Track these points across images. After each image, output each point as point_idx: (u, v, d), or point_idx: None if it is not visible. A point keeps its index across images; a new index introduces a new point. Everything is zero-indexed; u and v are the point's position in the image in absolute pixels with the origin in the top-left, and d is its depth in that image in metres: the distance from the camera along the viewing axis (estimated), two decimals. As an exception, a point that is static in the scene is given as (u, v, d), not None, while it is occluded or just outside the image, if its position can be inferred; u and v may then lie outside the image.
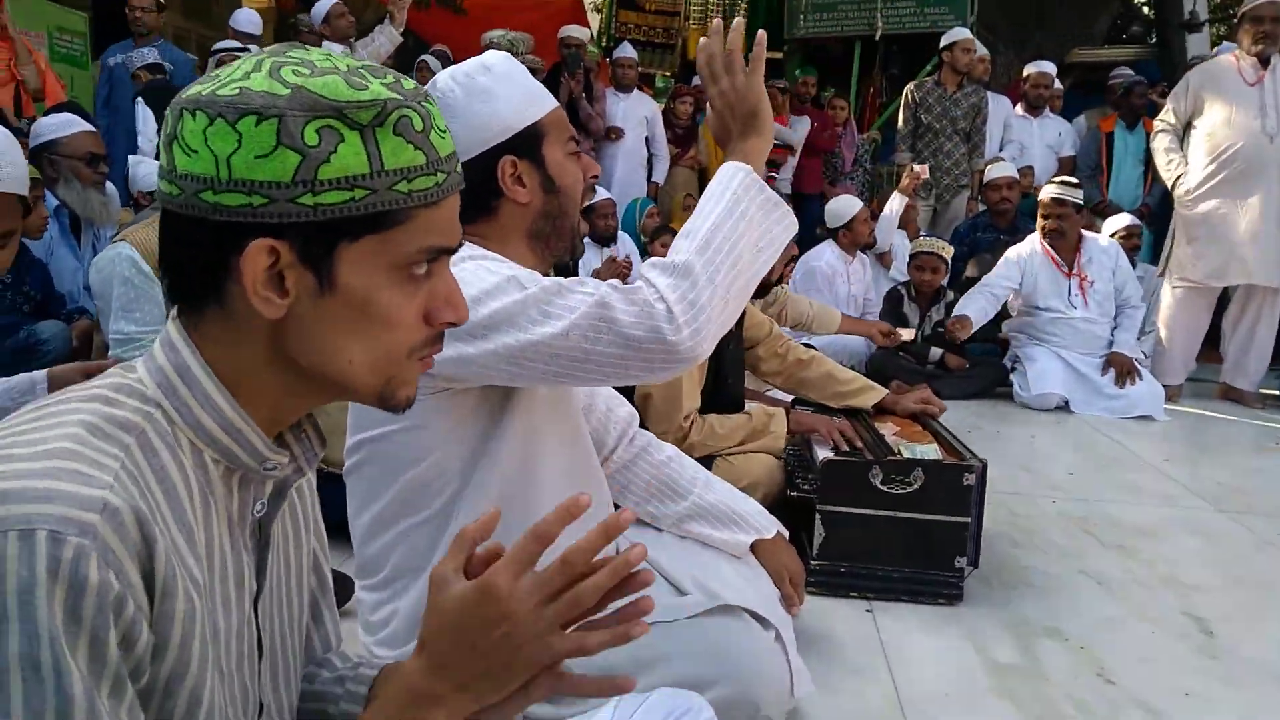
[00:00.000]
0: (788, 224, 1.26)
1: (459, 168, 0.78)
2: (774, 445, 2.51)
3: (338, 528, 1.48)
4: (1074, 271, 4.66)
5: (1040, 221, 4.70)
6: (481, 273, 1.21)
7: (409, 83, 0.74)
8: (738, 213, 1.20)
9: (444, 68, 6.61)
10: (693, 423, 2.44)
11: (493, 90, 1.34)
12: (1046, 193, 4.68)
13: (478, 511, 1.25)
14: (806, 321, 4.21)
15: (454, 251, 0.78)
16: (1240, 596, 2.36)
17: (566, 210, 1.39)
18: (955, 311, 4.65)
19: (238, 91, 0.68)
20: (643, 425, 2.35)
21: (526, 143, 1.35)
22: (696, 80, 7.68)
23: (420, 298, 0.76)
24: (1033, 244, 4.77)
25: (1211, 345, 5.03)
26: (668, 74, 9.17)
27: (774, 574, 1.73)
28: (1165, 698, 1.85)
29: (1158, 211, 6.06)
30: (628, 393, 2.43)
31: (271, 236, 0.69)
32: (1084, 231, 4.77)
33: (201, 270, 0.71)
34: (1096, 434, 4.08)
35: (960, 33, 6.21)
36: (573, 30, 6.85)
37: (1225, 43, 8.07)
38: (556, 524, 0.72)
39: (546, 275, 1.46)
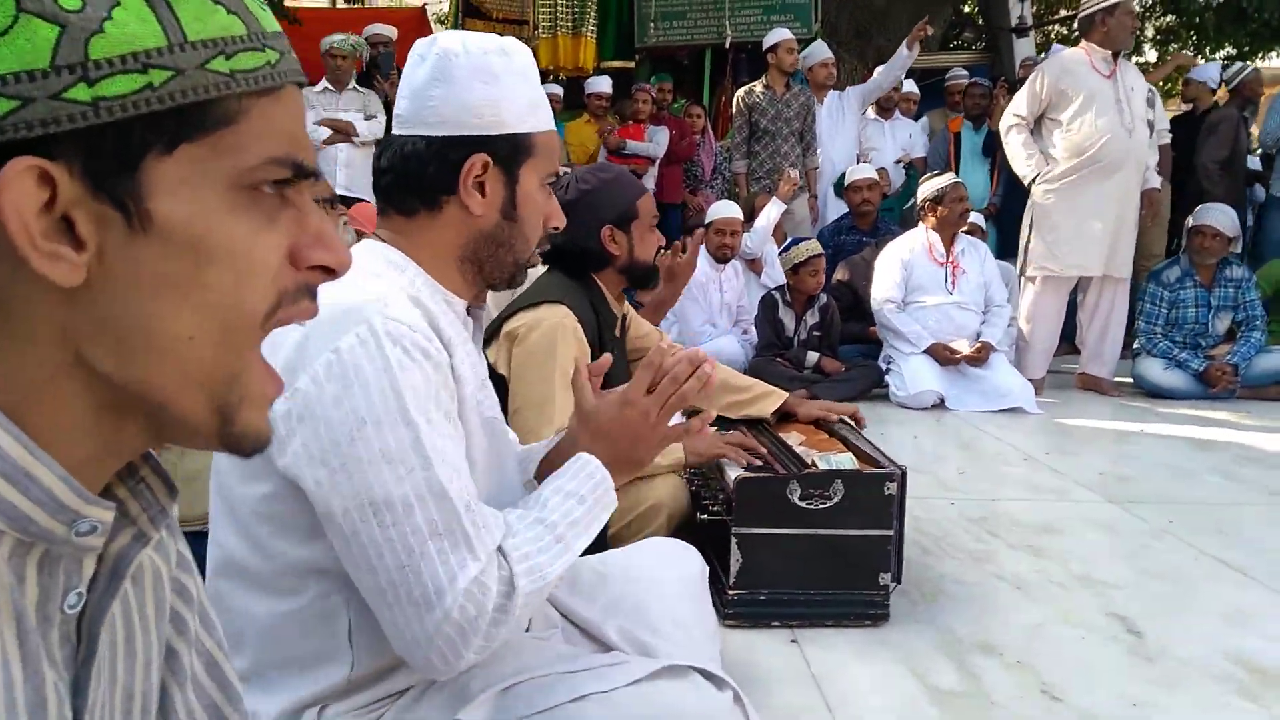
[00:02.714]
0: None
1: (295, 58, 0.54)
2: (674, 459, 2.29)
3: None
4: (949, 260, 4.71)
5: (933, 218, 4.70)
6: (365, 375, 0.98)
7: None
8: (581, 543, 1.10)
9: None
10: None
11: (502, 77, 1.12)
12: (934, 187, 4.70)
13: None
14: None
15: (313, 176, 0.54)
16: (1155, 590, 2.32)
17: (515, 244, 1.17)
18: (914, 345, 4.60)
19: None
20: None
21: (510, 150, 1.13)
22: (548, 88, 7.47)
23: (280, 230, 0.53)
24: (911, 239, 4.80)
25: (1062, 338, 5.18)
26: (518, 84, 8.91)
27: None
28: (1114, 710, 1.74)
29: (1004, 209, 6.26)
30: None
31: (34, 155, 0.44)
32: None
33: None
34: (976, 430, 4.09)
35: (781, 33, 6.23)
36: (378, 28, 6.59)
37: (1055, 45, 8.53)
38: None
39: (476, 300, 1.22)
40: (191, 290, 0.49)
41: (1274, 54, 11.32)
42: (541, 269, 2.42)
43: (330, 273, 0.56)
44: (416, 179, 1.13)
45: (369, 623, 1.04)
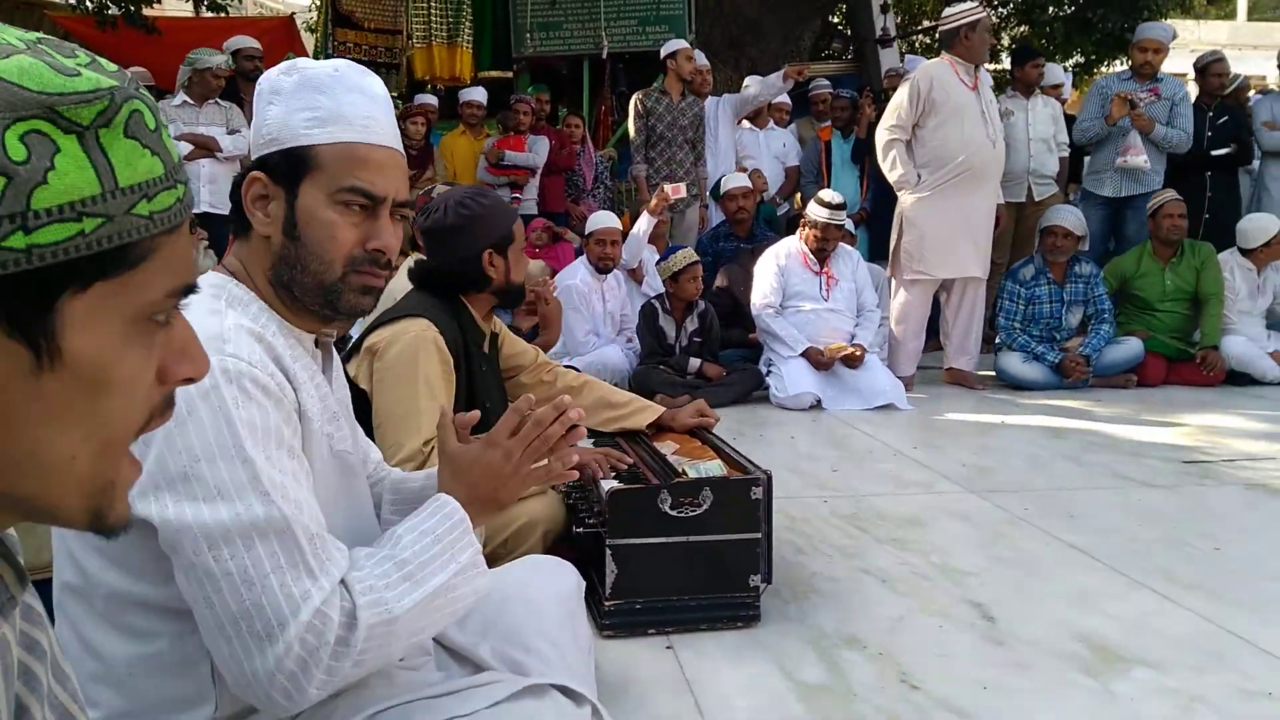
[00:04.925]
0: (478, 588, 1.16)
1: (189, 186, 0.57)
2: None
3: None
4: (824, 270, 4.90)
5: (809, 234, 4.87)
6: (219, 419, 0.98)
7: (110, 64, 0.53)
8: (449, 594, 1.10)
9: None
10: (433, 449, 2.17)
11: (286, 93, 1.10)
12: (819, 215, 4.82)
13: None
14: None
15: (194, 290, 0.57)
16: (1008, 576, 2.46)
17: (308, 265, 1.11)
18: (791, 348, 4.74)
19: None
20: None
21: (286, 165, 1.09)
22: (421, 98, 7.40)
23: (156, 352, 0.55)
24: (787, 246, 4.98)
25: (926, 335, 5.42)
26: (394, 95, 8.79)
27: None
28: (966, 694, 1.85)
29: (874, 214, 6.50)
30: (363, 416, 2.14)
31: None
32: None
33: None
34: (849, 428, 4.25)
35: (679, 42, 6.40)
36: (243, 41, 6.44)
37: (910, 56, 8.87)
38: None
39: (323, 330, 1.20)
40: (85, 419, 0.51)
41: (1118, 61, 12.01)
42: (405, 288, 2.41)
43: (190, 381, 0.59)
44: (234, 204, 1.15)
45: None
